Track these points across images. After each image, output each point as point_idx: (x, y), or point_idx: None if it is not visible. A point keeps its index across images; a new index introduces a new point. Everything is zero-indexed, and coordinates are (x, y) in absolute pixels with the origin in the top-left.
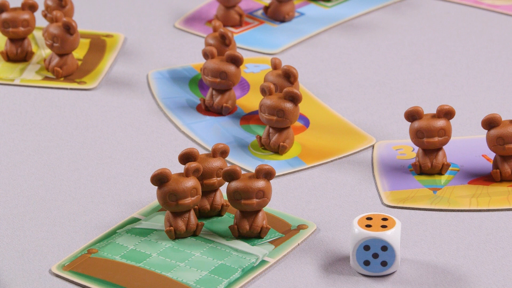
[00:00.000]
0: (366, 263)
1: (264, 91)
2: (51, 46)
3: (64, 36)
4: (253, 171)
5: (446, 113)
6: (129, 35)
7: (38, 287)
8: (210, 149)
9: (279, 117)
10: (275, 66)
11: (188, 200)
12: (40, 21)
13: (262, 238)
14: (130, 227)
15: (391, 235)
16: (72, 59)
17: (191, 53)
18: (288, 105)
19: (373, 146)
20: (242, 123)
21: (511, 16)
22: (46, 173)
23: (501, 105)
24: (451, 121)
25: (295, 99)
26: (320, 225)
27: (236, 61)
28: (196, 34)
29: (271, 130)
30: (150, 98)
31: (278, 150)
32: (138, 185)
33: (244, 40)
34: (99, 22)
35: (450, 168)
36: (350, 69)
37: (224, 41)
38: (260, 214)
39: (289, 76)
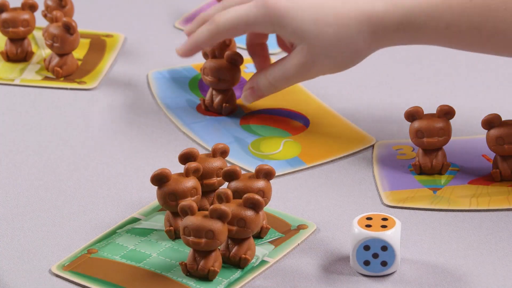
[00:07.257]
0: (366, 263)
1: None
2: (51, 46)
3: (64, 36)
4: (253, 171)
5: (446, 113)
6: (129, 35)
7: (38, 287)
8: (210, 149)
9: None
10: None
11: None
12: (40, 21)
13: (262, 238)
14: (130, 227)
15: (391, 235)
16: (72, 59)
17: None
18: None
19: (373, 146)
20: (242, 123)
21: None
22: (46, 173)
23: (501, 105)
24: (451, 121)
25: (256, 206)
26: (320, 225)
27: (236, 61)
28: None
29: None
30: (150, 98)
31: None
32: (138, 185)
33: (244, 40)
34: (99, 22)
35: (450, 168)
36: (350, 69)
37: (223, 41)
38: (260, 214)
39: None
